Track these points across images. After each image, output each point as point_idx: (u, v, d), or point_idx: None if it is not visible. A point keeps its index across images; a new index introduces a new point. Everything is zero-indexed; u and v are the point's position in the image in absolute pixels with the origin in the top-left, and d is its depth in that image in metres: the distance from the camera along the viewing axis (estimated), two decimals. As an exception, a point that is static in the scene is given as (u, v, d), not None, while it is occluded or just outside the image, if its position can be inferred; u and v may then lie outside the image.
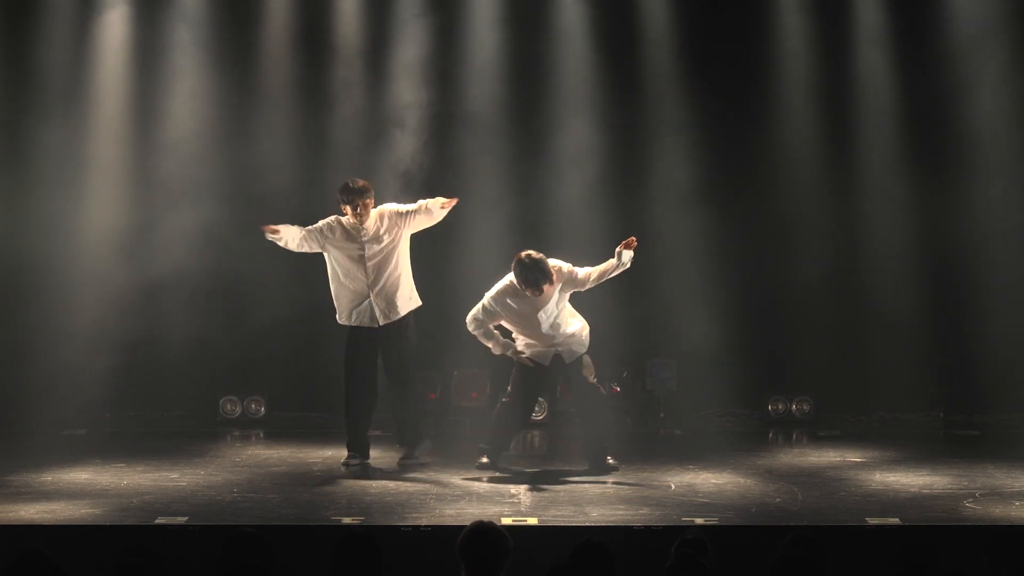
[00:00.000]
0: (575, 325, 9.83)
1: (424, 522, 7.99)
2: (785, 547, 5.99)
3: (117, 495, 8.88)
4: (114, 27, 12.05)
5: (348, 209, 9.79)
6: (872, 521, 8.03)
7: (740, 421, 12.26)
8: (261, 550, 5.94)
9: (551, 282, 9.61)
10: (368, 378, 9.96)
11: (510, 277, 9.70)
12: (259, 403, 12.12)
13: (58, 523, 7.97)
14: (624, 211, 12.15)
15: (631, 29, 12.26)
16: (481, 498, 8.87)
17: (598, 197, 12.09)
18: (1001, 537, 6.02)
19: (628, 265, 9.72)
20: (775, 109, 12.32)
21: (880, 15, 12.24)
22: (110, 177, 12.05)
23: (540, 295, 9.62)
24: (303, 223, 9.96)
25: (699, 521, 7.97)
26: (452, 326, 10.59)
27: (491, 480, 9.46)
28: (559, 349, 9.78)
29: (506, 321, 9.82)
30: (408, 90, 11.88)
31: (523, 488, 9.16)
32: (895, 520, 8.07)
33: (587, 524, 8.04)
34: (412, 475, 9.66)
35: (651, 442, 11.39)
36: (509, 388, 9.94)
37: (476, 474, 9.59)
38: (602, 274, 9.74)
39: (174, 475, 9.57)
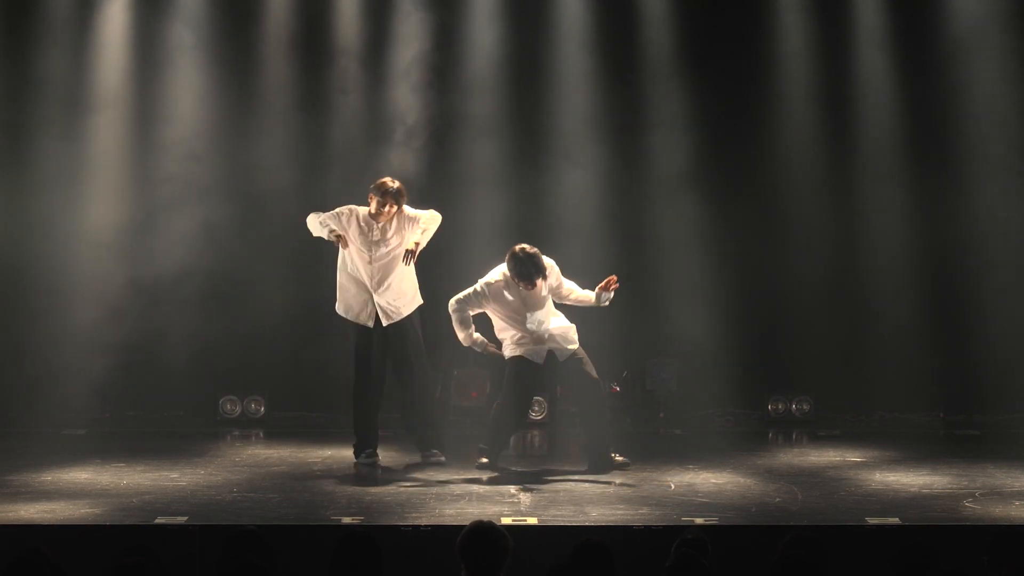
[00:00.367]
0: (559, 321, 9.83)
1: (424, 522, 7.99)
2: (785, 547, 5.99)
3: (117, 495, 8.87)
4: (114, 28, 12.05)
5: (374, 203, 9.78)
6: (872, 521, 8.03)
7: (740, 421, 12.26)
8: (261, 549, 5.94)
9: (544, 277, 9.61)
10: (377, 374, 9.98)
11: (503, 269, 9.70)
12: (259, 403, 12.12)
13: (58, 523, 7.97)
14: (624, 211, 12.16)
15: (631, 29, 12.26)
16: (481, 498, 8.86)
17: (598, 197, 12.10)
18: (1001, 537, 6.01)
19: (606, 304, 9.74)
20: (775, 109, 12.32)
21: (880, 15, 12.24)
22: (110, 177, 12.05)
23: (533, 289, 9.63)
24: (302, 223, 9.98)
25: (699, 521, 7.96)
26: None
27: (491, 480, 9.45)
28: (551, 346, 9.77)
29: (492, 311, 9.79)
30: (407, 90, 11.88)
31: (523, 488, 9.16)
32: (895, 520, 8.07)
33: (587, 524, 8.04)
34: (412, 475, 9.66)
35: (651, 442, 11.38)
36: (503, 388, 9.94)
37: (476, 474, 9.59)
38: (579, 300, 9.83)
39: (174, 475, 9.57)
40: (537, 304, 9.70)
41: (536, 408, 11.78)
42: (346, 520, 8.07)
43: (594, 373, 9.82)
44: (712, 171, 12.15)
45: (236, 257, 11.87)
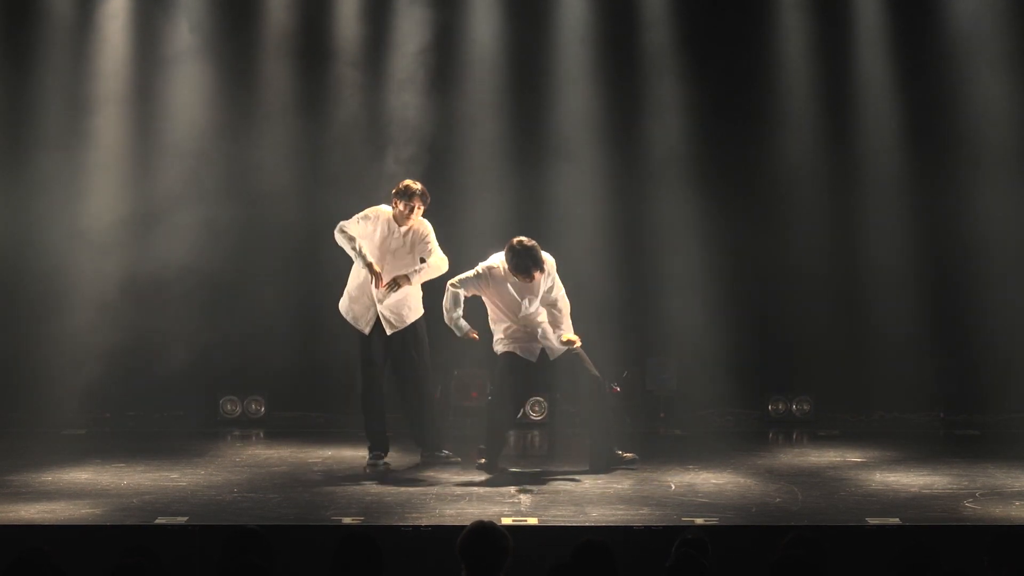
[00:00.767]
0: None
1: (424, 522, 7.99)
2: (785, 547, 5.99)
3: (117, 495, 8.87)
4: (115, 28, 12.05)
5: (400, 205, 9.78)
6: (872, 521, 8.03)
7: (740, 421, 12.26)
8: (261, 548, 5.94)
9: (542, 270, 9.61)
10: (382, 377, 9.98)
11: (501, 258, 9.68)
12: (259, 403, 12.12)
13: (58, 523, 7.97)
14: (624, 210, 12.16)
15: (631, 29, 12.26)
16: (481, 498, 8.87)
17: (598, 197, 12.09)
18: (1001, 537, 6.01)
19: (561, 351, 9.71)
20: (776, 109, 12.32)
21: (880, 15, 12.24)
22: (110, 177, 12.04)
23: (530, 282, 9.62)
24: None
25: (699, 521, 7.97)
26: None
27: (491, 480, 9.45)
28: (544, 344, 9.76)
29: (488, 297, 9.78)
30: (407, 89, 11.88)
31: (523, 488, 9.16)
32: (895, 520, 8.07)
33: (587, 524, 8.04)
34: (412, 475, 9.66)
35: (651, 442, 11.38)
36: (493, 385, 9.92)
37: (476, 474, 9.59)
38: (552, 320, 9.76)
39: (174, 475, 9.57)
40: (533, 296, 9.68)
41: (536, 408, 11.78)
42: (346, 520, 8.07)
43: (593, 369, 9.79)
44: (713, 171, 12.16)
45: (236, 257, 11.88)
